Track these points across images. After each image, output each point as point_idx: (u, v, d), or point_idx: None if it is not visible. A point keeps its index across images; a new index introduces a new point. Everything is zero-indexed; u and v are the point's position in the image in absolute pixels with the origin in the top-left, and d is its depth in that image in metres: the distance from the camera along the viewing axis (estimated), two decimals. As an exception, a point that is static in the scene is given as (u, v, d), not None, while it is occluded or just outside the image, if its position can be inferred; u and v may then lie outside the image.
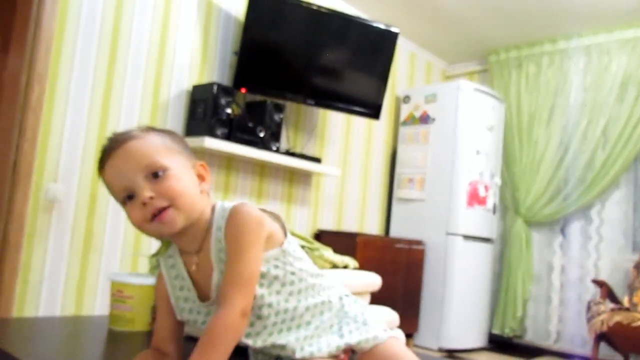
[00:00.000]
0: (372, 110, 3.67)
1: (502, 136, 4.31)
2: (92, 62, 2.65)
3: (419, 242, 3.92)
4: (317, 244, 2.43)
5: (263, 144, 3.12)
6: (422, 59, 4.72)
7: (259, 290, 0.91)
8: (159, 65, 2.92)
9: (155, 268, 1.23)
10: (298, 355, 0.92)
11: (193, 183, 0.94)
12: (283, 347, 0.92)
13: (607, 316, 3.11)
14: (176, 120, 3.00)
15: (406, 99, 4.33)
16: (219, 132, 2.90)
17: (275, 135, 3.21)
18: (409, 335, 3.83)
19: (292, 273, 0.95)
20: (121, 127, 2.71)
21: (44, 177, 2.48)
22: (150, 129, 0.96)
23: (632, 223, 3.83)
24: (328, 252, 2.44)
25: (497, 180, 4.19)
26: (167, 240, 1.00)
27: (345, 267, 2.54)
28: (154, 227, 0.89)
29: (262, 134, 3.11)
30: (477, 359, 3.73)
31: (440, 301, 3.85)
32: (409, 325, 3.80)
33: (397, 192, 4.25)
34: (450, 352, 3.82)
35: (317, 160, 3.50)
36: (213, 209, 0.95)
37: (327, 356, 0.93)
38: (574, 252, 4.02)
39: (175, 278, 0.99)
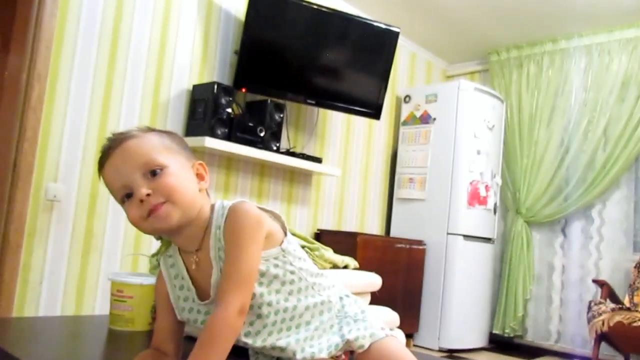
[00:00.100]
0: (373, 110, 3.67)
1: (503, 136, 4.30)
2: (92, 62, 2.65)
3: (419, 242, 3.91)
4: (317, 244, 2.42)
5: (263, 144, 3.12)
6: (422, 58, 4.71)
7: (259, 289, 0.91)
8: (159, 65, 2.92)
9: (155, 268, 1.23)
10: (299, 356, 0.92)
11: (191, 181, 0.94)
12: (283, 349, 0.92)
13: (608, 316, 3.11)
14: (176, 120, 2.99)
15: (407, 98, 4.33)
16: (219, 131, 2.90)
17: (275, 135, 3.21)
18: (409, 335, 3.83)
19: (292, 272, 0.95)
20: (121, 127, 2.71)
21: (44, 176, 2.48)
22: (150, 129, 0.97)
23: (633, 223, 3.82)
24: (328, 252, 2.44)
25: (498, 180, 4.18)
26: (167, 240, 1.00)
27: (346, 267, 2.54)
28: (150, 224, 0.89)
29: (262, 134, 3.11)
30: (478, 359, 3.72)
31: (440, 301, 3.84)
32: (410, 325, 3.80)
33: (398, 192, 4.25)
34: (451, 352, 3.81)
35: (317, 160, 3.50)
36: (212, 208, 0.95)
37: (327, 356, 0.93)
38: (574, 252, 4.02)
39: (174, 277, 0.99)
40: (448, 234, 3.89)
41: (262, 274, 0.92)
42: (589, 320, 3.23)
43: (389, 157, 4.41)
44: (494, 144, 4.15)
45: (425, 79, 4.76)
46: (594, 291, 3.79)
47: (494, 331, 4.14)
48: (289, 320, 0.94)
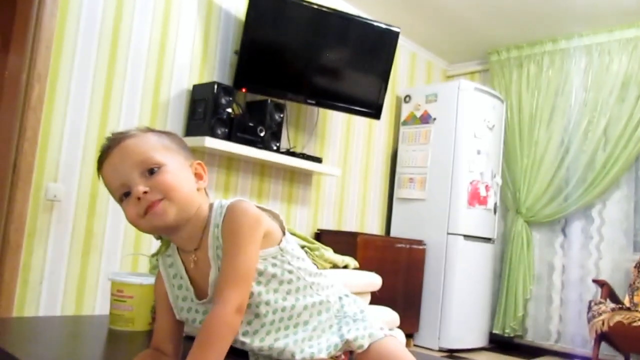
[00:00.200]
0: (373, 110, 3.67)
1: (503, 136, 4.30)
2: (92, 62, 2.65)
3: (419, 242, 3.91)
4: (317, 244, 2.42)
5: (263, 144, 3.12)
6: (422, 58, 4.71)
7: (257, 288, 0.91)
8: (159, 65, 2.92)
9: (155, 268, 1.23)
10: (298, 357, 0.92)
11: (189, 179, 0.95)
12: (282, 350, 0.92)
13: (608, 316, 3.11)
14: (176, 120, 2.99)
15: (407, 98, 4.33)
16: (219, 131, 2.90)
17: (275, 135, 3.21)
18: (409, 335, 3.83)
19: (290, 272, 0.95)
20: (121, 127, 2.71)
21: (44, 176, 2.48)
22: (149, 129, 0.97)
23: (633, 223, 3.82)
24: (328, 252, 2.44)
25: (498, 180, 4.18)
26: (167, 240, 1.00)
27: (346, 267, 2.54)
28: (148, 221, 0.90)
29: (262, 134, 3.11)
30: (478, 359, 3.72)
31: (440, 301, 3.84)
32: (410, 325, 3.80)
33: (398, 192, 4.25)
34: (451, 352, 3.81)
35: (317, 160, 3.50)
36: (211, 207, 0.96)
37: (327, 357, 0.93)
38: (574, 252, 4.02)
39: (173, 277, 0.99)
40: (448, 233, 3.89)
41: (260, 273, 0.92)
42: (589, 320, 3.24)
43: (389, 157, 4.41)
44: (494, 144, 4.15)
45: (426, 79, 4.76)
46: (594, 291, 3.79)
47: (494, 331, 4.14)
48: (287, 319, 0.94)
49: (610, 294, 3.43)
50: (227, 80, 3.18)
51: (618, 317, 3.07)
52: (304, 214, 3.71)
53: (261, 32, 3.15)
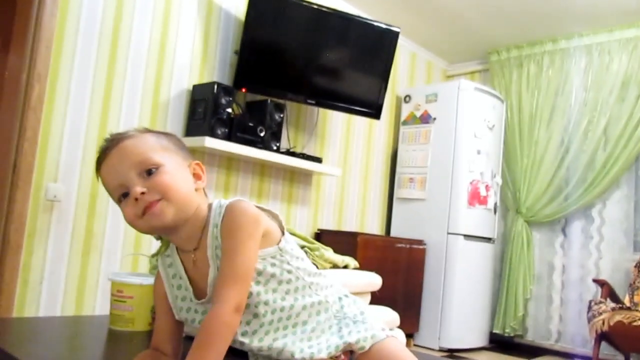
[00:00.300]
0: (373, 110, 3.67)
1: (503, 136, 4.30)
2: (92, 62, 2.65)
3: (419, 242, 3.91)
4: (317, 244, 2.43)
5: (263, 144, 3.12)
6: (422, 58, 4.71)
7: (255, 288, 0.91)
8: (159, 65, 2.92)
9: (155, 268, 1.23)
10: (297, 356, 0.92)
11: (187, 180, 0.95)
12: (281, 350, 0.92)
13: (608, 316, 3.11)
14: (176, 120, 3.00)
15: (407, 98, 4.33)
16: (219, 131, 2.90)
17: (275, 135, 3.21)
18: (409, 335, 3.83)
19: (289, 271, 0.95)
20: (121, 127, 2.71)
21: (44, 177, 2.48)
22: (147, 130, 0.98)
23: (633, 222, 3.82)
24: (328, 252, 2.44)
25: (498, 179, 4.18)
26: (167, 240, 1.00)
27: (346, 267, 2.54)
28: (146, 221, 0.90)
29: (262, 134, 3.11)
30: (478, 359, 3.72)
31: (440, 301, 3.84)
32: (410, 325, 3.80)
33: (398, 192, 4.25)
34: (451, 352, 3.81)
35: (317, 160, 3.50)
36: (210, 207, 0.96)
37: (327, 357, 0.93)
38: (574, 252, 4.02)
39: (172, 277, 0.99)
40: (448, 233, 3.89)
41: (259, 273, 0.92)
42: (589, 320, 3.24)
43: (389, 157, 4.41)
44: (494, 143, 4.15)
45: (426, 79, 4.76)
46: (594, 291, 3.79)
47: (495, 331, 4.14)
48: (286, 319, 0.94)
49: (610, 293, 3.43)
50: (227, 80, 3.18)
51: (618, 317, 3.07)
52: (304, 214, 3.71)
53: (261, 32, 3.15)
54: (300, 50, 3.32)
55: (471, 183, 3.94)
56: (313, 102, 3.42)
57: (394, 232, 4.21)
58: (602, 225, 3.92)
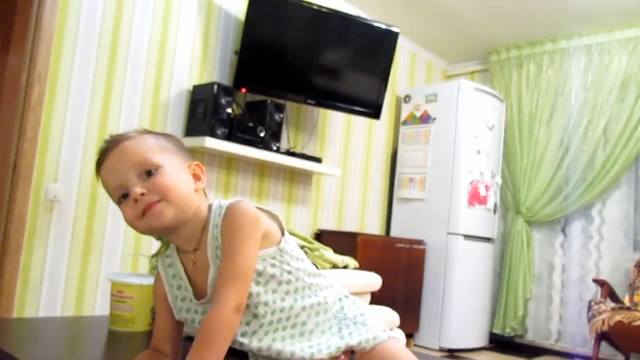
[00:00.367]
0: (373, 110, 3.67)
1: (503, 136, 4.30)
2: (92, 62, 2.65)
3: (419, 242, 3.91)
4: (317, 244, 2.43)
5: (263, 144, 3.12)
6: (422, 58, 4.71)
7: (255, 288, 0.91)
8: (159, 65, 2.92)
9: (155, 268, 1.23)
10: (297, 356, 0.92)
11: (186, 180, 0.95)
12: (280, 351, 0.92)
13: (608, 315, 3.11)
14: (176, 120, 3.00)
15: (407, 98, 4.33)
16: (219, 132, 2.90)
17: (275, 135, 3.21)
18: (409, 335, 3.83)
19: (289, 272, 0.95)
20: (121, 127, 2.72)
21: (44, 177, 2.48)
22: (147, 131, 0.98)
23: (633, 222, 3.82)
24: (328, 252, 2.44)
25: (498, 179, 4.18)
26: (167, 241, 1.00)
27: (346, 267, 2.54)
28: (145, 222, 0.90)
29: (262, 134, 3.11)
30: (478, 359, 3.72)
31: (440, 301, 3.84)
32: (410, 325, 3.80)
33: (398, 192, 4.25)
34: (451, 352, 3.81)
35: (317, 160, 3.50)
36: (210, 208, 0.96)
37: (327, 357, 0.93)
38: (574, 252, 4.02)
39: (172, 277, 0.99)
40: (448, 233, 3.89)
41: (259, 274, 0.92)
42: (589, 320, 3.24)
43: (389, 157, 4.41)
44: (494, 143, 4.15)
45: (425, 79, 4.76)
46: (594, 290, 3.79)
47: (495, 331, 4.15)
48: (285, 320, 0.94)
49: (610, 293, 3.43)
50: (227, 81, 3.18)
51: (618, 317, 3.07)
52: (304, 214, 3.71)
53: (261, 32, 3.15)
54: (300, 51, 3.32)
55: (471, 183, 3.94)
56: (313, 102, 3.42)
57: (394, 232, 4.21)
58: (602, 225, 3.92)
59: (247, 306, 0.90)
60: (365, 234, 3.80)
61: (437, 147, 4.05)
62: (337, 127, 3.96)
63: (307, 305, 0.96)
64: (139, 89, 2.83)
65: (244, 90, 3.13)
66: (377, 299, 2.63)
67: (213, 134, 2.86)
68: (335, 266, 2.47)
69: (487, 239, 4.08)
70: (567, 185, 4.03)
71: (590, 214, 3.98)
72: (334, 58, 3.45)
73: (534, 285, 4.14)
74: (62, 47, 2.53)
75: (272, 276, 0.93)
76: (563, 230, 4.13)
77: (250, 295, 0.90)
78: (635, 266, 3.54)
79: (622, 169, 3.79)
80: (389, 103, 4.32)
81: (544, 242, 4.19)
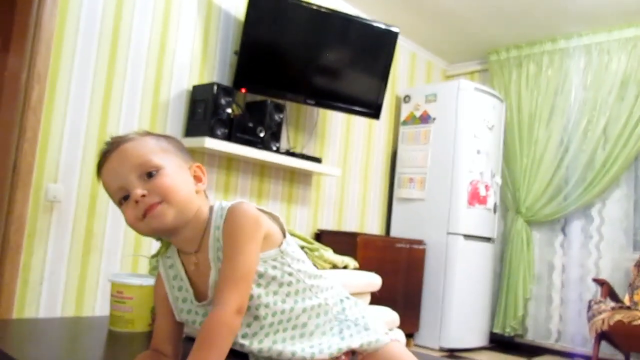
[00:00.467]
0: (373, 110, 3.67)
1: (503, 135, 4.30)
2: (92, 62, 2.64)
3: (419, 242, 3.91)
4: (316, 244, 2.43)
5: (263, 144, 3.12)
6: (422, 58, 4.71)
7: (256, 290, 0.91)
8: (159, 65, 2.92)
9: (155, 269, 1.23)
10: (298, 356, 0.92)
11: (187, 182, 0.95)
12: (281, 352, 0.92)
13: (608, 315, 3.11)
14: (176, 120, 2.99)
15: (406, 98, 4.33)
16: (219, 132, 2.90)
17: (275, 135, 3.21)
18: (409, 335, 3.83)
19: (290, 274, 0.95)
20: (121, 127, 2.71)
21: (44, 177, 2.48)
22: (148, 133, 0.98)
23: (633, 222, 3.82)
24: (328, 253, 2.44)
25: (498, 179, 4.18)
26: (167, 241, 1.00)
27: (345, 267, 2.54)
28: (147, 224, 0.90)
29: (262, 134, 3.11)
30: (478, 359, 3.72)
31: (441, 301, 3.84)
32: (410, 324, 3.80)
33: (398, 192, 4.25)
34: (451, 352, 3.82)
35: (317, 160, 3.50)
36: (211, 209, 0.96)
37: (328, 357, 0.93)
38: (574, 251, 4.02)
39: (173, 278, 0.99)
40: (448, 233, 3.89)
41: (261, 275, 0.92)
42: (589, 319, 3.24)
43: (389, 157, 4.41)
44: (494, 143, 4.15)
45: (425, 79, 4.76)
46: (594, 290, 3.79)
47: (495, 330, 4.15)
48: (286, 322, 0.94)
49: (610, 293, 3.43)
50: (227, 81, 3.18)
51: (618, 316, 3.07)
52: (304, 214, 3.71)
53: (261, 32, 3.15)
54: (300, 51, 3.32)
55: (471, 183, 3.94)
56: (313, 102, 3.42)
57: (393, 232, 4.21)
58: (601, 225, 3.92)
59: (248, 308, 0.90)
60: (365, 234, 3.79)
61: (437, 147, 4.05)
62: (337, 127, 3.96)
63: (308, 306, 0.96)
64: (139, 89, 2.83)
65: (243, 90, 3.13)
66: (377, 299, 2.63)
67: (213, 134, 2.86)
68: (335, 266, 2.47)
69: (487, 239, 4.08)
70: (567, 185, 4.03)
71: (590, 214, 3.98)
72: (333, 58, 3.45)
73: (534, 285, 4.14)
74: (62, 47, 2.53)
75: (273, 278, 0.93)
76: (563, 230, 4.13)
77: (251, 297, 0.90)
78: (635, 266, 3.54)
79: (622, 169, 3.79)
80: (388, 103, 4.32)
81: (543, 242, 4.19)
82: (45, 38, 2.46)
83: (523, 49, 4.35)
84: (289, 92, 3.31)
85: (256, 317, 0.92)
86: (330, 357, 0.94)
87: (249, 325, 0.92)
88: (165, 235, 0.96)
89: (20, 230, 2.39)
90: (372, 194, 4.26)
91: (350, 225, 4.07)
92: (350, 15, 3.51)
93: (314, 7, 3.26)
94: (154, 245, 2.69)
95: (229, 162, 3.21)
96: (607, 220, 3.90)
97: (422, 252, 3.92)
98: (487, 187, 4.04)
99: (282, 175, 3.54)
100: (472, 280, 3.93)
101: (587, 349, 3.69)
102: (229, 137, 2.95)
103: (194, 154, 2.93)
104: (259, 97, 3.22)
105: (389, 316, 2.59)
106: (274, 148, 3.20)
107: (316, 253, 2.36)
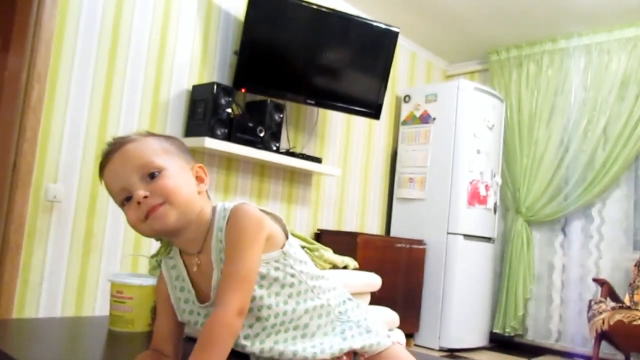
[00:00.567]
0: (373, 110, 3.67)
1: (503, 135, 4.30)
2: (92, 62, 2.64)
3: (419, 242, 3.91)
4: (316, 245, 2.43)
5: (263, 144, 3.12)
6: (422, 58, 4.71)
7: (259, 291, 0.91)
8: (159, 65, 2.92)
9: (155, 269, 1.23)
10: (300, 355, 0.92)
11: (189, 183, 0.95)
12: (282, 352, 0.92)
13: (608, 315, 3.11)
14: (176, 120, 2.99)
15: (406, 98, 4.33)
16: (219, 132, 2.90)
17: (275, 135, 3.21)
18: (409, 335, 3.83)
19: (292, 275, 0.95)
20: (121, 127, 2.71)
21: (44, 177, 2.48)
22: (149, 134, 0.98)
23: (633, 222, 3.82)
24: (328, 253, 2.44)
25: (498, 179, 4.18)
26: (167, 241, 1.00)
27: (345, 267, 2.54)
28: (149, 225, 0.90)
29: (262, 134, 3.11)
30: (479, 359, 3.72)
31: (441, 301, 3.84)
32: (410, 324, 3.80)
33: (398, 192, 4.25)
34: (451, 352, 3.81)
35: (317, 160, 3.50)
36: (214, 210, 0.95)
37: (329, 357, 0.93)
38: (574, 251, 4.02)
39: (175, 279, 0.99)
40: (448, 233, 3.89)
41: (263, 277, 0.92)
42: (589, 319, 3.24)
43: (389, 157, 4.41)
44: (494, 143, 4.15)
45: (425, 79, 4.76)
46: (594, 290, 3.79)
47: (495, 330, 4.15)
48: (288, 322, 0.94)
49: (610, 292, 3.43)
50: (227, 81, 3.18)
51: (618, 316, 3.07)
52: (304, 214, 3.71)
53: (261, 32, 3.15)
54: (300, 51, 3.32)
55: (471, 183, 3.94)
56: (313, 102, 3.41)
57: (393, 232, 4.21)
58: (601, 225, 3.92)
59: (250, 309, 0.90)
60: (365, 234, 3.79)
61: (437, 147, 4.05)
62: (337, 127, 3.96)
63: (310, 307, 0.96)
64: (139, 89, 2.83)
65: (243, 90, 3.13)
66: (377, 299, 2.63)
67: (213, 134, 2.86)
68: (335, 266, 2.47)
69: (487, 239, 4.08)
70: (567, 185, 4.03)
71: (590, 214, 3.98)
72: (333, 58, 3.45)
73: (534, 285, 4.14)
74: (62, 47, 2.53)
75: (276, 279, 0.93)
76: (563, 230, 4.13)
77: (253, 298, 0.90)
78: (635, 265, 3.54)
79: (622, 169, 3.79)
80: (388, 103, 4.32)
81: (543, 242, 4.19)
82: (45, 38, 2.46)
83: (523, 48, 4.35)
84: (289, 92, 3.31)
85: (258, 318, 0.92)
86: (332, 357, 0.94)
87: (251, 327, 0.92)
88: (168, 237, 0.96)
89: (20, 230, 2.39)
90: (372, 194, 4.26)
91: (350, 225, 4.07)
92: (351, 15, 3.51)
93: (314, 7, 3.26)
94: (153, 245, 2.68)
95: (229, 162, 3.21)
96: (607, 220, 3.90)
97: (422, 252, 3.92)
98: (487, 187, 4.04)
99: (282, 175, 3.54)
100: (472, 280, 3.93)
101: (587, 349, 3.69)
102: (228, 137, 2.95)
103: (193, 154, 2.91)
104: (258, 97, 3.22)
105: (389, 316, 2.59)
106: (274, 148, 3.20)
107: (316, 253, 2.36)
